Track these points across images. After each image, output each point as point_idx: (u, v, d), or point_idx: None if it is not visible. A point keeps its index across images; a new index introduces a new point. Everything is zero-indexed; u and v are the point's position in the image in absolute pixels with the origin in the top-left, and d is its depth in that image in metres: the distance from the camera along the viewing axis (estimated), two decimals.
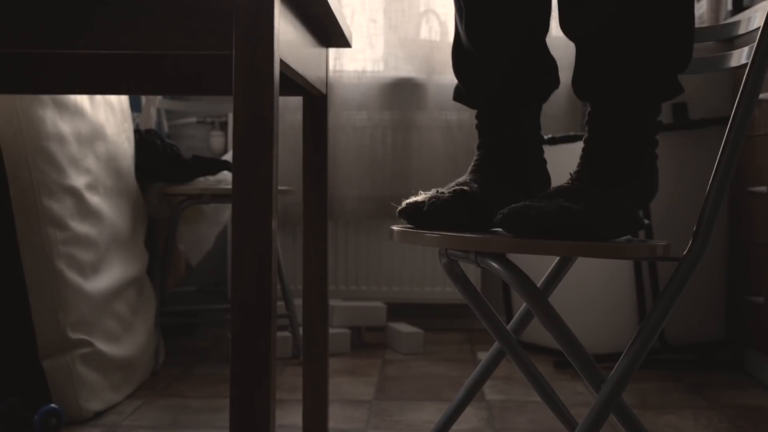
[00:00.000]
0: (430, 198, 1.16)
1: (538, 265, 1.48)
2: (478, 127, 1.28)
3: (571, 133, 2.63)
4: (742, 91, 1.07)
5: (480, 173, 1.23)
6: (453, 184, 1.21)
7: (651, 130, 1.18)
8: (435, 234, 1.10)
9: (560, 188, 1.13)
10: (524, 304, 1.37)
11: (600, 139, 1.17)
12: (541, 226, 1.03)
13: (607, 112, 1.17)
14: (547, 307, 1.09)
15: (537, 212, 1.03)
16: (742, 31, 1.21)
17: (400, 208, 1.18)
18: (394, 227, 1.18)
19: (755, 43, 1.07)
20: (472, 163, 1.26)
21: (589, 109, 1.20)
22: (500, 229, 1.13)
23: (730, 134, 1.07)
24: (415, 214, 1.16)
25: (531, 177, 1.25)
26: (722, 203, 1.10)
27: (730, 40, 1.29)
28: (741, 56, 1.15)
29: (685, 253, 1.10)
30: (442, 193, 1.17)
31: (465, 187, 1.17)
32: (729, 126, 1.08)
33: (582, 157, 1.18)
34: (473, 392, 1.34)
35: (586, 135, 1.19)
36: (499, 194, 1.20)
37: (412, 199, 1.18)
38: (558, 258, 1.34)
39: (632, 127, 1.16)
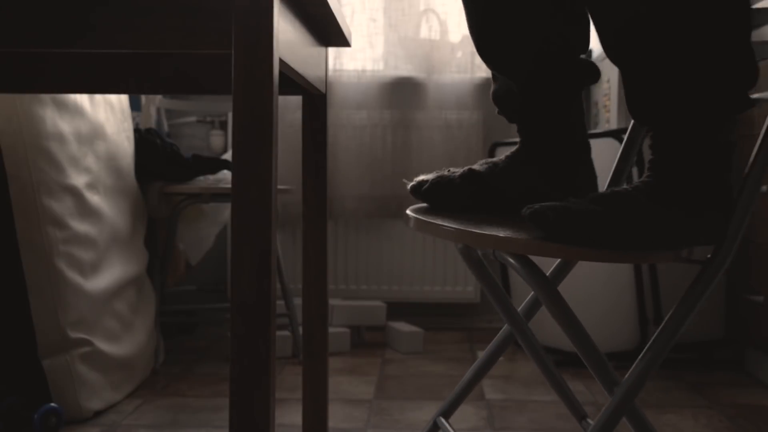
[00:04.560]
0: (437, 177, 1.17)
1: (538, 262, 1.48)
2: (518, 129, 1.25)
3: None
4: None
5: (508, 159, 1.21)
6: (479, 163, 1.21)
7: (721, 153, 1.05)
8: (451, 227, 1.06)
9: (610, 192, 1.05)
10: (529, 297, 1.36)
11: (665, 165, 1.07)
12: (570, 230, 0.98)
13: (667, 138, 1.07)
14: (564, 307, 1.05)
15: (578, 214, 0.98)
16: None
17: (411, 184, 1.19)
18: (410, 212, 1.15)
19: None
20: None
21: (651, 133, 1.11)
22: (516, 220, 1.11)
23: None
24: (418, 190, 1.18)
25: (574, 174, 1.20)
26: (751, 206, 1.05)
27: None
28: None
29: (710, 256, 1.05)
30: (454, 173, 1.18)
31: (475, 167, 1.17)
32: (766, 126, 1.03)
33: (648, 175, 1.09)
34: (469, 389, 1.35)
35: (650, 157, 1.10)
36: (519, 177, 1.18)
37: (422, 177, 1.19)
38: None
39: (698, 151, 1.05)
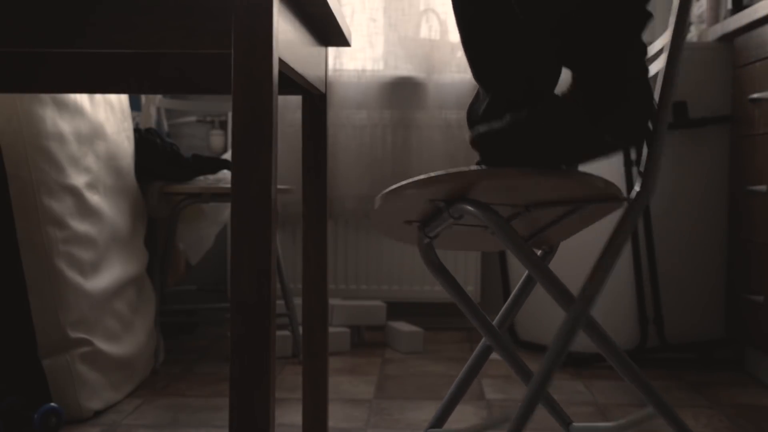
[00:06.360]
0: None
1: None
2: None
3: None
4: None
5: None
6: None
7: (633, 64, 1.21)
8: (412, 180, 1.16)
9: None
10: (512, 295, 1.38)
11: (580, 78, 1.23)
12: (496, 150, 1.15)
13: (579, 56, 1.22)
14: (521, 244, 1.15)
15: (500, 132, 1.15)
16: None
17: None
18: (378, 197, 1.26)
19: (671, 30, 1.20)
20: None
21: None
22: None
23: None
24: None
25: None
26: (662, 148, 1.20)
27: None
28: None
29: (635, 193, 1.17)
30: None
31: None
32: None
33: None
34: (466, 385, 1.37)
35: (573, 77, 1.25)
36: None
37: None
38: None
39: (608, 66, 1.20)
